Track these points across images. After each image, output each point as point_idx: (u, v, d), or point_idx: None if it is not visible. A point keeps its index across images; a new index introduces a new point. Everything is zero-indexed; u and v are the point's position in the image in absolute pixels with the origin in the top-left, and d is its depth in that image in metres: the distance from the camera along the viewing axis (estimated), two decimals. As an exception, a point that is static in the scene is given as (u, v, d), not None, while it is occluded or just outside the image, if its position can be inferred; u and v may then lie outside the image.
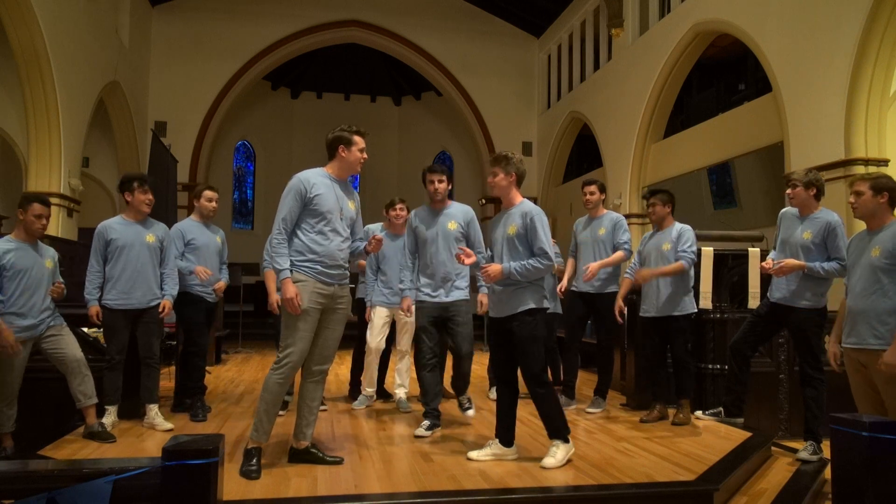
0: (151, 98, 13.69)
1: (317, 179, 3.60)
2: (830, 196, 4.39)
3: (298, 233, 3.58)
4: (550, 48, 15.22)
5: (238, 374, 7.59)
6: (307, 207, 3.56)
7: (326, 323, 3.65)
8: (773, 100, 8.27)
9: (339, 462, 3.59)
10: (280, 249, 3.52)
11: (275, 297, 5.10)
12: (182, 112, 13.66)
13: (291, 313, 3.47)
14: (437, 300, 4.51)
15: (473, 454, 3.71)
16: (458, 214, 4.67)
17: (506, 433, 3.77)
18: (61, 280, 4.32)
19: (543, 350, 3.73)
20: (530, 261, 3.61)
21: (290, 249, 3.56)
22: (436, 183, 4.62)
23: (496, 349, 3.87)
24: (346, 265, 3.72)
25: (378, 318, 5.29)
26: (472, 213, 4.75)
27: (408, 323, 5.21)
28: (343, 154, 3.66)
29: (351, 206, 3.73)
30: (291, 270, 3.51)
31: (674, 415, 4.85)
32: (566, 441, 3.62)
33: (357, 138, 3.67)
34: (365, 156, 3.73)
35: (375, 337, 5.29)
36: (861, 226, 3.64)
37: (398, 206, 5.42)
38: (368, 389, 5.34)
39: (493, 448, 3.73)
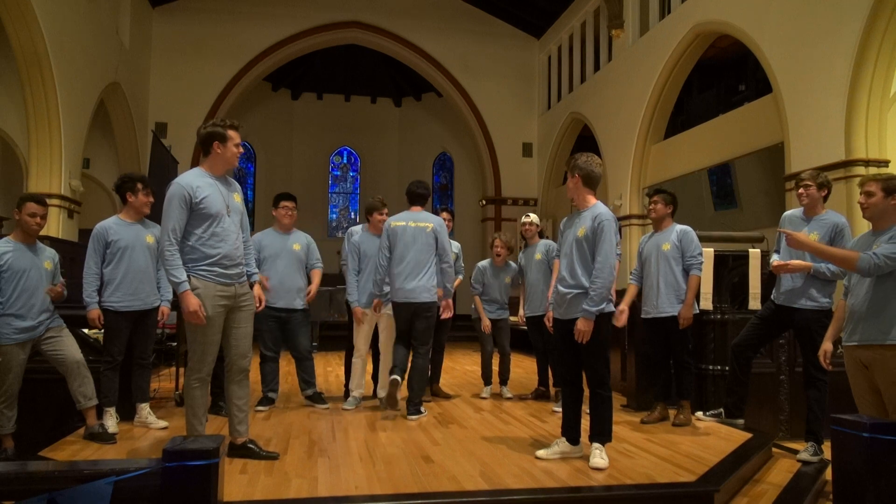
0: (152, 99, 13.70)
1: (199, 182, 3.50)
2: (831, 197, 4.39)
3: (191, 239, 3.48)
4: (551, 49, 15.23)
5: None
6: (195, 212, 3.46)
7: (234, 322, 3.61)
8: (774, 101, 8.27)
9: (275, 457, 3.64)
10: (173, 261, 3.41)
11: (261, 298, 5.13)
12: (183, 113, 13.66)
13: (197, 324, 3.43)
14: None
15: (541, 453, 3.77)
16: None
17: (572, 432, 3.81)
18: (62, 281, 4.32)
19: (608, 352, 3.78)
20: (592, 286, 3.63)
21: (186, 257, 3.47)
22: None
23: (560, 350, 3.89)
24: (244, 262, 3.68)
25: (365, 321, 5.33)
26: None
27: (390, 322, 5.27)
28: (219, 151, 3.57)
29: (237, 200, 3.69)
30: (189, 278, 3.43)
31: (674, 416, 4.85)
32: (603, 445, 3.67)
33: (232, 133, 3.58)
34: (241, 150, 3.67)
35: (364, 338, 5.33)
36: (863, 226, 3.64)
37: (385, 211, 5.46)
38: (357, 392, 5.35)
39: (561, 446, 3.79)
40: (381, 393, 5.37)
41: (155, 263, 4.57)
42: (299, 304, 5.37)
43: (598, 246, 3.67)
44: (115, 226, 4.50)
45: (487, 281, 6.13)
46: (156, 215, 4.90)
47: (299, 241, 5.45)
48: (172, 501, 2.33)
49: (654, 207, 4.99)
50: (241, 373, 3.69)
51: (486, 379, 6.18)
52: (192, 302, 3.39)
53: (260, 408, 5.18)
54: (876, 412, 3.37)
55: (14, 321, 4.03)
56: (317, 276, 5.52)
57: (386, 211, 5.51)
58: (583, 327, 3.63)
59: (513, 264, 6.25)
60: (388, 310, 5.28)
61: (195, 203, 3.46)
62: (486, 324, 6.04)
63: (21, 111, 9.50)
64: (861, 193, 3.50)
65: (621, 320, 5.04)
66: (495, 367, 6.22)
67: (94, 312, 4.41)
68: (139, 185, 4.54)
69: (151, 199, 4.58)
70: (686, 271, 4.85)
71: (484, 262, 6.27)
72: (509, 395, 6.02)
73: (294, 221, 5.48)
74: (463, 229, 15.19)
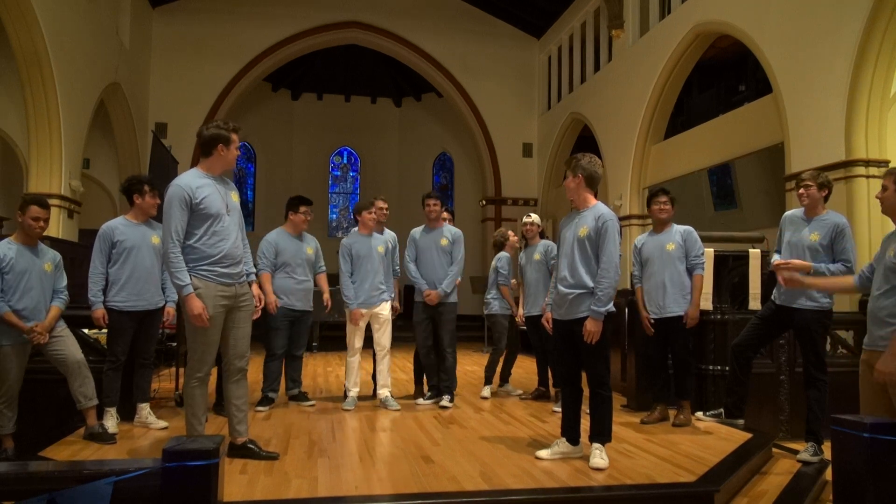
0: (152, 99, 13.69)
1: (198, 182, 3.52)
2: (831, 197, 4.38)
3: (192, 239, 3.49)
4: (551, 49, 15.23)
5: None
6: (196, 213, 3.48)
7: (233, 323, 3.62)
8: (774, 101, 8.27)
9: (276, 457, 3.65)
10: (178, 263, 3.42)
11: (272, 298, 5.20)
12: (183, 113, 13.65)
13: (199, 326, 3.43)
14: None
15: (542, 453, 3.77)
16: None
17: (571, 432, 3.81)
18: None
19: (608, 353, 3.78)
20: (599, 286, 3.63)
21: (187, 257, 3.47)
22: (431, 205, 5.59)
23: (560, 350, 3.89)
24: (243, 262, 3.70)
25: (361, 320, 5.38)
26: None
27: (386, 320, 5.40)
28: (222, 153, 3.60)
29: (235, 199, 3.70)
30: (191, 279, 3.43)
31: (674, 416, 4.85)
32: (603, 445, 3.67)
33: (235, 136, 3.62)
34: (238, 152, 3.72)
35: (359, 339, 5.39)
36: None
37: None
38: (354, 390, 5.37)
39: (561, 446, 3.80)
40: (383, 392, 5.38)
41: (160, 264, 4.57)
42: (310, 305, 5.61)
43: (603, 246, 3.67)
44: (121, 226, 4.51)
45: (509, 273, 6.28)
46: (159, 216, 4.93)
47: (311, 245, 5.65)
48: (172, 501, 2.33)
49: (665, 208, 4.94)
50: (240, 373, 3.70)
51: (487, 379, 6.22)
52: (197, 305, 3.39)
53: (260, 408, 5.19)
54: (878, 412, 3.34)
55: (14, 321, 4.02)
56: (323, 280, 5.71)
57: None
58: (592, 328, 3.63)
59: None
60: (380, 309, 5.38)
61: (195, 203, 3.47)
62: (521, 313, 6.08)
63: (21, 111, 9.49)
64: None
65: (649, 324, 5.00)
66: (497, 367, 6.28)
67: (99, 312, 4.40)
68: (146, 187, 4.57)
69: (158, 201, 4.59)
70: (689, 271, 4.85)
71: (507, 255, 6.36)
72: (517, 393, 6.09)
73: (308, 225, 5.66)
74: (463, 229, 15.03)
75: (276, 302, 5.28)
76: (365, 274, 5.34)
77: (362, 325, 5.37)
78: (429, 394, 5.57)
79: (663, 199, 4.96)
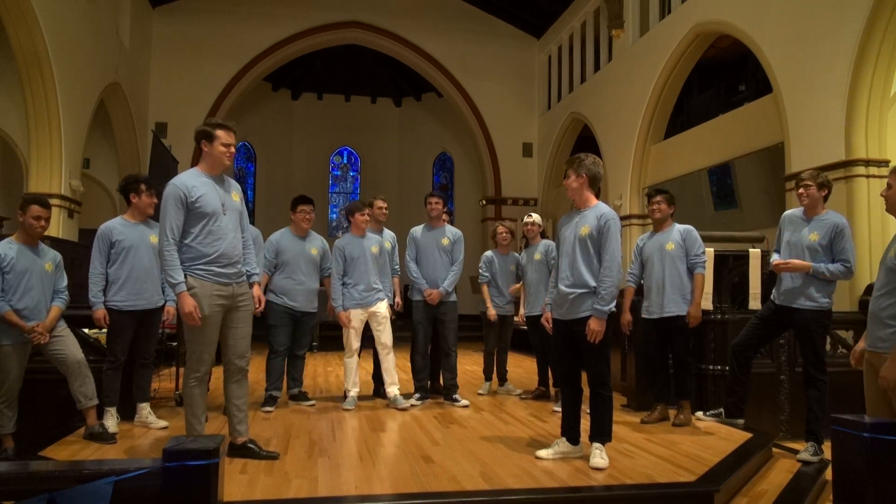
0: (152, 99, 13.70)
1: (194, 181, 3.54)
2: (831, 197, 4.38)
3: (188, 238, 3.50)
4: (551, 49, 15.24)
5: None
6: (192, 211, 3.49)
7: (231, 322, 3.63)
8: (774, 101, 8.27)
9: (276, 457, 3.65)
10: (172, 262, 3.43)
11: (261, 300, 5.20)
12: (183, 113, 13.64)
13: (193, 325, 3.44)
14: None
15: (542, 453, 3.77)
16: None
17: (572, 432, 3.82)
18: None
19: (609, 352, 3.78)
20: (602, 285, 3.64)
21: (183, 256, 3.48)
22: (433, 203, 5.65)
23: (561, 350, 3.89)
24: (243, 261, 3.69)
25: (356, 321, 5.36)
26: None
27: (385, 318, 5.36)
28: (205, 149, 3.60)
29: (235, 199, 3.70)
30: (186, 277, 3.45)
31: (674, 416, 4.85)
32: (603, 445, 3.67)
33: (219, 132, 3.59)
34: (231, 150, 3.64)
35: (356, 339, 5.38)
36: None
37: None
38: (353, 390, 5.37)
39: (561, 446, 3.80)
40: (392, 390, 5.36)
41: (159, 263, 4.57)
42: (313, 307, 5.56)
43: (605, 245, 3.67)
44: (119, 226, 4.52)
45: (494, 270, 6.22)
46: (157, 216, 4.93)
47: (316, 246, 5.60)
48: (172, 501, 2.33)
49: (658, 208, 4.95)
50: (240, 373, 3.71)
51: (487, 375, 6.26)
52: (188, 303, 3.41)
53: (268, 408, 5.18)
54: (883, 413, 3.33)
55: (15, 321, 4.02)
56: (329, 284, 5.63)
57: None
58: (596, 327, 3.63)
59: (515, 254, 6.33)
60: (377, 308, 5.34)
61: (191, 202, 3.49)
62: (492, 313, 6.08)
63: (21, 111, 9.49)
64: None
65: (628, 328, 5.05)
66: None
67: (100, 312, 4.41)
68: (143, 186, 4.57)
69: (155, 200, 4.60)
70: (690, 270, 4.85)
71: (490, 252, 6.34)
72: (517, 392, 6.11)
73: (311, 225, 5.58)
74: (463, 229, 15.03)
75: (263, 305, 5.26)
76: (360, 275, 5.32)
77: (359, 325, 5.36)
78: (417, 395, 5.54)
79: (657, 198, 4.98)
